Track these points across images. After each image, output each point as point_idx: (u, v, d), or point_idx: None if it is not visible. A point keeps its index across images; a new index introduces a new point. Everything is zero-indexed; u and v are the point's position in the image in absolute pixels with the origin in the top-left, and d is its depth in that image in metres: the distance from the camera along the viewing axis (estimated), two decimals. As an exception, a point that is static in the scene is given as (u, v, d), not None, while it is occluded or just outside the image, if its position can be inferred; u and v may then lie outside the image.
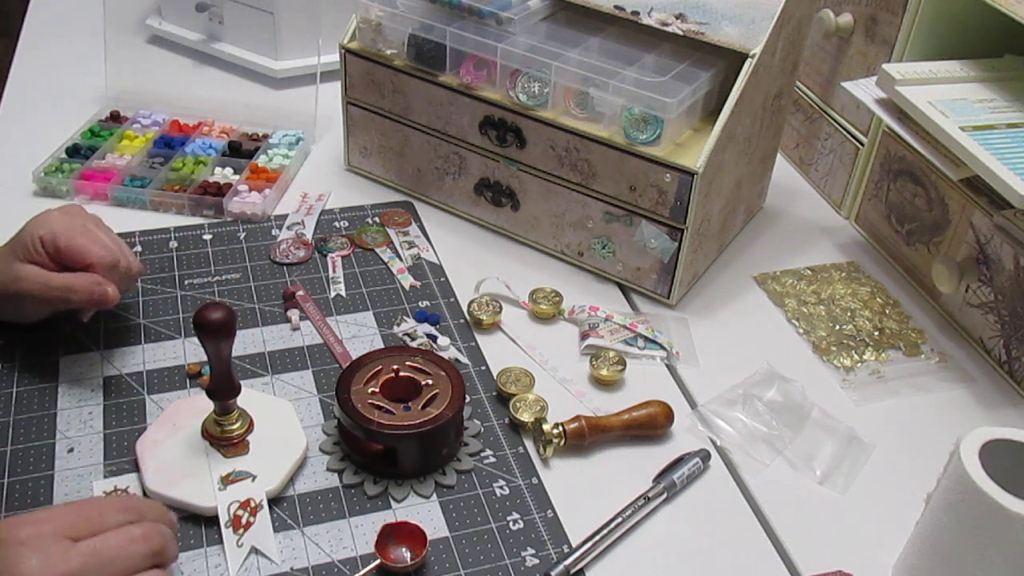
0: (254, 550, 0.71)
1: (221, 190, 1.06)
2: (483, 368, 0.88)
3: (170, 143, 1.15)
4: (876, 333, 0.95)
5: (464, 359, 0.89)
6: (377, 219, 1.06)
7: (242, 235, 1.02)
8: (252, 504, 0.73)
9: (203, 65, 1.34)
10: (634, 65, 0.92)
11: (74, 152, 1.12)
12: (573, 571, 0.70)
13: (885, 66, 0.93)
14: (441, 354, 0.85)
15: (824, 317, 0.97)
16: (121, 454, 0.77)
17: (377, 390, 0.78)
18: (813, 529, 0.76)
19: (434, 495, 0.76)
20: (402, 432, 0.74)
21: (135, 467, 0.76)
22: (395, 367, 0.80)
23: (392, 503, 0.75)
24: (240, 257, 0.99)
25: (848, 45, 1.09)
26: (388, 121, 1.07)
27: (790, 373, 0.89)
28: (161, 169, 1.09)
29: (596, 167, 0.94)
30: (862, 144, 1.08)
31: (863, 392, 0.89)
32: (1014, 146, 0.85)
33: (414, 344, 0.90)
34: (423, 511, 0.74)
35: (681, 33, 0.91)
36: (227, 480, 0.74)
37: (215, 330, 0.70)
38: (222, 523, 0.71)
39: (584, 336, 0.92)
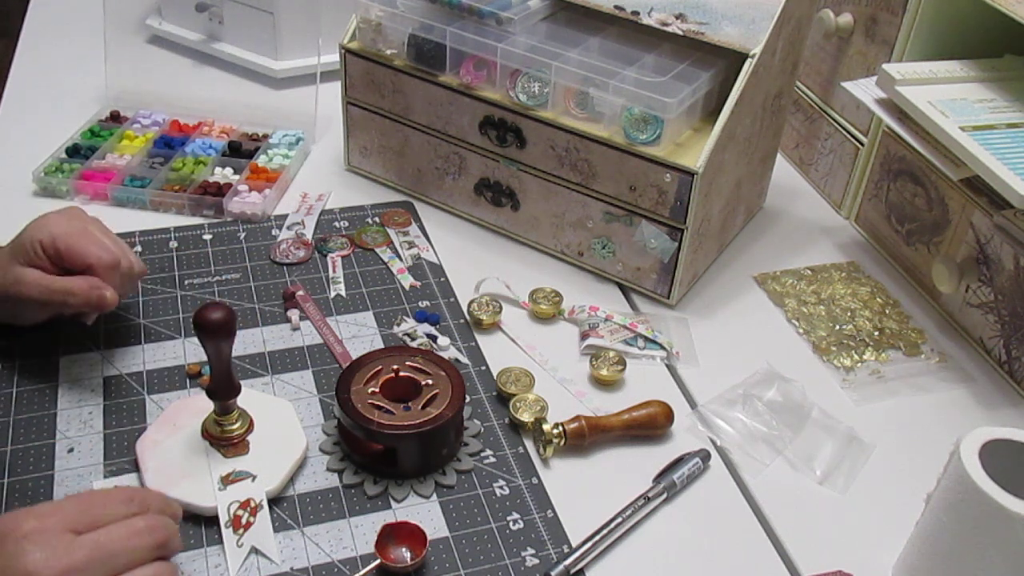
0: (254, 550, 0.71)
1: (221, 190, 1.06)
2: (483, 368, 0.88)
3: (170, 143, 1.15)
4: (876, 333, 0.95)
5: (464, 359, 0.89)
6: (377, 219, 1.06)
7: (242, 235, 1.02)
8: (252, 504, 0.73)
9: (203, 65, 1.34)
10: (634, 65, 0.93)
11: (74, 152, 1.12)
12: (573, 571, 0.70)
13: (885, 66, 0.93)
14: (441, 354, 0.85)
15: (824, 317, 0.97)
16: (121, 454, 0.77)
17: (377, 390, 0.78)
18: (813, 529, 0.76)
19: (434, 495, 0.76)
20: (402, 432, 0.74)
21: (135, 467, 0.76)
22: (395, 367, 0.80)
23: (392, 503, 0.75)
24: (240, 257, 0.99)
25: (848, 45, 1.09)
26: (388, 121, 1.07)
27: (790, 373, 0.89)
28: (161, 169, 1.09)
29: (596, 167, 0.94)
30: (862, 144, 1.08)
31: (863, 392, 0.89)
32: (1014, 146, 0.85)
33: (414, 344, 0.90)
34: (423, 511, 0.74)
35: (681, 33, 0.91)
36: (227, 480, 0.74)
37: (215, 330, 0.70)
38: (222, 523, 0.71)
39: (584, 336, 0.92)
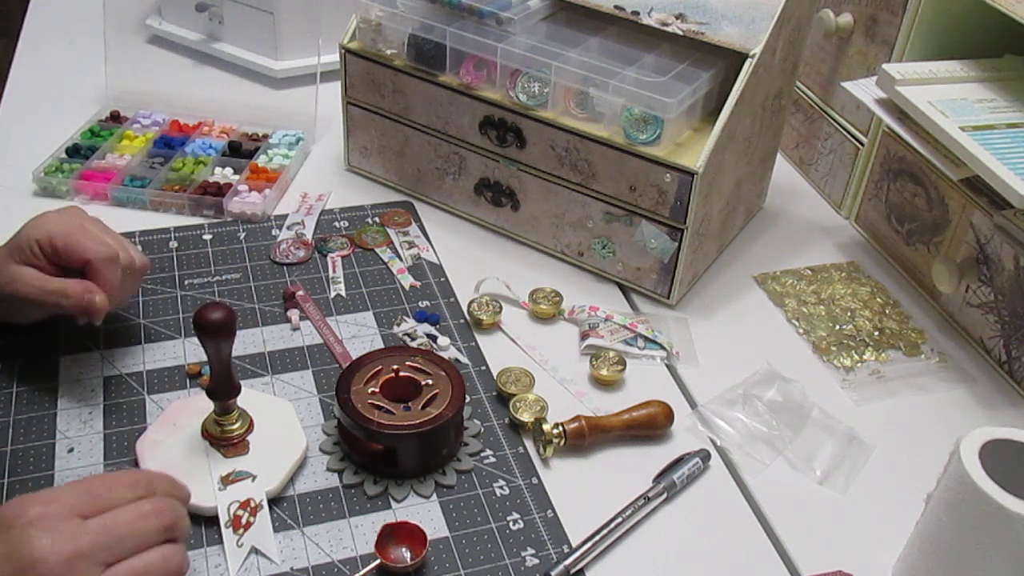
0: (254, 550, 0.71)
1: (221, 190, 1.06)
2: (483, 368, 0.88)
3: (170, 143, 1.15)
4: (876, 333, 0.95)
5: (464, 359, 0.89)
6: (377, 219, 1.06)
7: (242, 235, 1.02)
8: (252, 504, 0.73)
9: (203, 65, 1.34)
10: (634, 65, 0.92)
11: (74, 152, 1.12)
12: (573, 571, 0.70)
13: (885, 66, 0.93)
14: (441, 354, 0.85)
15: (824, 317, 0.97)
16: (121, 454, 0.77)
17: (377, 390, 0.78)
18: (813, 529, 0.76)
19: (434, 495, 0.76)
20: (402, 432, 0.74)
21: (135, 467, 0.76)
22: (395, 367, 0.80)
23: (392, 503, 0.75)
24: (240, 257, 0.99)
25: (848, 45, 1.09)
26: (388, 121, 1.07)
27: (790, 373, 0.89)
28: (161, 169, 1.09)
29: (596, 167, 0.94)
30: (862, 144, 1.08)
31: (863, 392, 0.89)
32: (1014, 146, 0.85)
33: (414, 344, 0.90)
34: (423, 511, 0.74)
35: (681, 33, 0.91)
36: (227, 480, 0.74)
37: (215, 330, 0.70)
38: (222, 523, 0.71)
39: (584, 336, 0.92)
